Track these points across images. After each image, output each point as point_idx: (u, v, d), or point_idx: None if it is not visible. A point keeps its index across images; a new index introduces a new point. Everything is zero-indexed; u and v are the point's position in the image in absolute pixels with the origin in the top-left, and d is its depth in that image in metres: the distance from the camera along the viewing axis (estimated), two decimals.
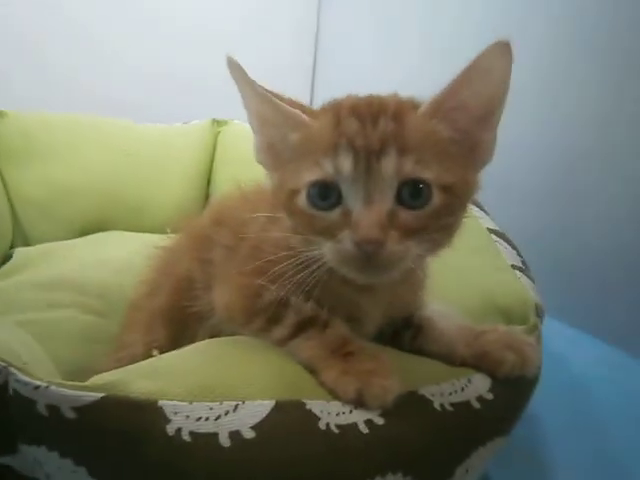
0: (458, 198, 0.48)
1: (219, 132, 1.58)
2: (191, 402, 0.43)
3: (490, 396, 0.52)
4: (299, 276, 0.49)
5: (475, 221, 0.94)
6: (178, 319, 0.64)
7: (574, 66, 1.19)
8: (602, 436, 0.79)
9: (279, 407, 0.45)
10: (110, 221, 1.39)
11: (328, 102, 0.54)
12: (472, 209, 0.98)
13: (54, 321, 0.81)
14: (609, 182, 1.13)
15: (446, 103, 0.48)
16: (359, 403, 0.46)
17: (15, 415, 0.42)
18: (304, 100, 0.56)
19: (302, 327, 0.52)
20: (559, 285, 1.11)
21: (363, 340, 0.53)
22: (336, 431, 0.45)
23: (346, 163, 0.46)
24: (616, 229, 1.11)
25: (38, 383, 0.41)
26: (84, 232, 1.34)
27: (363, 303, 0.55)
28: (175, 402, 0.43)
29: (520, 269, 0.77)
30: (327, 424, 0.45)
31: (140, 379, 0.44)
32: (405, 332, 0.59)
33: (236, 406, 0.44)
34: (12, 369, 0.42)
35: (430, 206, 0.46)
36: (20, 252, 1.18)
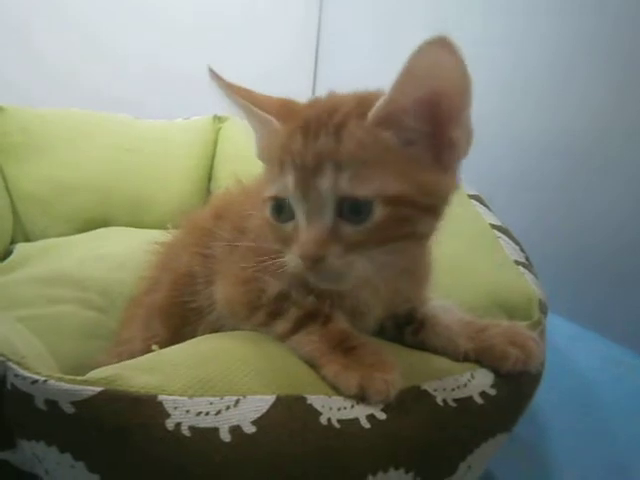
0: (413, 206, 0.47)
1: (220, 128, 1.57)
2: (191, 397, 0.43)
3: (493, 392, 0.52)
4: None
5: (478, 217, 0.93)
6: (178, 314, 0.64)
7: (576, 66, 1.18)
8: (606, 434, 0.79)
9: (280, 402, 0.45)
10: (111, 217, 1.39)
11: (311, 99, 0.55)
12: (474, 205, 0.98)
13: (54, 316, 0.81)
14: (613, 178, 1.12)
15: (390, 109, 0.46)
16: (361, 398, 0.46)
17: (13, 410, 0.42)
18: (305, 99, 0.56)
19: (303, 322, 0.52)
20: (564, 283, 1.10)
21: (365, 335, 0.53)
22: (337, 426, 0.44)
23: (289, 181, 0.47)
24: (622, 226, 1.10)
25: (36, 377, 0.41)
26: (84, 228, 1.34)
27: (363, 298, 0.55)
28: (175, 397, 0.42)
29: (523, 265, 0.77)
30: (328, 419, 0.44)
31: (139, 373, 0.44)
32: (407, 327, 0.59)
33: (237, 401, 0.44)
34: (10, 363, 0.42)
35: (371, 221, 0.46)
36: (20, 248, 1.18)
